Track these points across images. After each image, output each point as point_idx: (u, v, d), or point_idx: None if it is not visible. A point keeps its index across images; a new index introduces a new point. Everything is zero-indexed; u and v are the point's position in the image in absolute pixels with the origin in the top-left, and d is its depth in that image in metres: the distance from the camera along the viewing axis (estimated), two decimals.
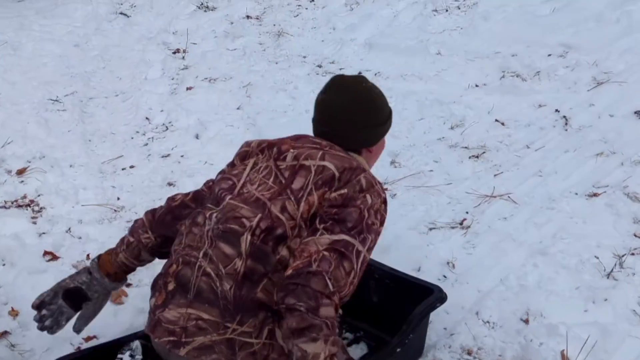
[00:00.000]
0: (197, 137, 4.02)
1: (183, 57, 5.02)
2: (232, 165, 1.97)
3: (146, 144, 4.00)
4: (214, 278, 1.70)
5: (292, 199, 1.72)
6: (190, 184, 3.40)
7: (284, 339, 1.63)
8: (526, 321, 2.38)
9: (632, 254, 2.56)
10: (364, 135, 1.96)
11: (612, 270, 2.52)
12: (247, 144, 1.97)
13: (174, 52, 5.11)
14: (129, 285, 2.63)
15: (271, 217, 1.70)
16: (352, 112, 1.92)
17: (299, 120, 3.97)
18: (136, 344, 1.95)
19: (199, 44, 5.21)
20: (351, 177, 1.74)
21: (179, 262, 1.79)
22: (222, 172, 1.98)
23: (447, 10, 4.99)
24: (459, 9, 5.00)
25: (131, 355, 1.92)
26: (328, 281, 1.58)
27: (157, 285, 1.84)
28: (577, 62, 4.05)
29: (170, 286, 1.78)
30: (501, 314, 2.42)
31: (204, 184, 2.06)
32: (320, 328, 1.54)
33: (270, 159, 1.85)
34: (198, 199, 1.99)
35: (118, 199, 3.43)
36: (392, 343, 2.00)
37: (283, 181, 1.77)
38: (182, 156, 3.82)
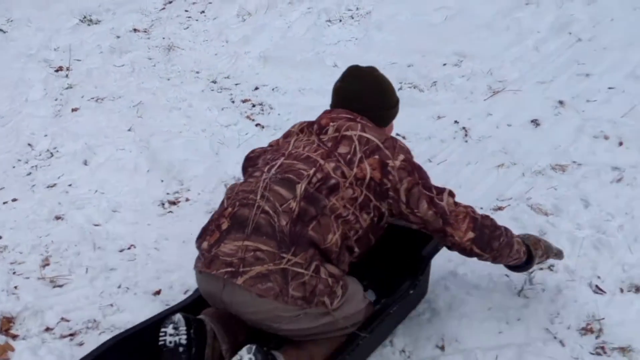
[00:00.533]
0: (85, 163, 3.72)
1: (67, 76, 4.67)
2: (275, 143, 2.29)
3: (29, 173, 3.68)
4: (272, 215, 1.94)
5: (342, 161, 2.02)
6: (81, 217, 3.20)
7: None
8: (442, 348, 2.30)
9: (541, 269, 2.53)
10: (379, 117, 2.25)
11: (523, 288, 2.49)
12: (289, 130, 2.29)
13: (57, 70, 4.75)
14: (15, 337, 2.41)
15: (324, 172, 2.00)
16: (369, 97, 2.23)
17: (195, 140, 3.79)
18: (178, 316, 1.99)
19: (83, 61, 4.86)
20: (395, 144, 2.10)
21: (234, 205, 2.03)
22: (264, 150, 2.34)
23: (340, 21, 4.93)
24: (353, 18, 4.94)
25: (174, 328, 1.97)
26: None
27: (207, 231, 2.06)
28: (472, 71, 4.08)
29: (224, 225, 1.99)
30: (416, 342, 2.33)
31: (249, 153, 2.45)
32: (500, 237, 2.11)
33: (312, 135, 2.15)
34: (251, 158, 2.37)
35: (0, 237, 3.11)
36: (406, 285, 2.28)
37: (327, 148, 2.06)
38: (69, 185, 3.53)
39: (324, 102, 3.94)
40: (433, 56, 4.28)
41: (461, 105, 3.83)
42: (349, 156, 2.03)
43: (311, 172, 1.99)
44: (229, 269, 1.89)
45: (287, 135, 2.26)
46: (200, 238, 2.07)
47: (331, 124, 2.12)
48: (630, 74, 3.78)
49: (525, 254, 2.18)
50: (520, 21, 4.40)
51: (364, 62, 2.22)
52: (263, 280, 1.85)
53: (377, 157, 2.03)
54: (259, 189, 2.01)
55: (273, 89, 4.29)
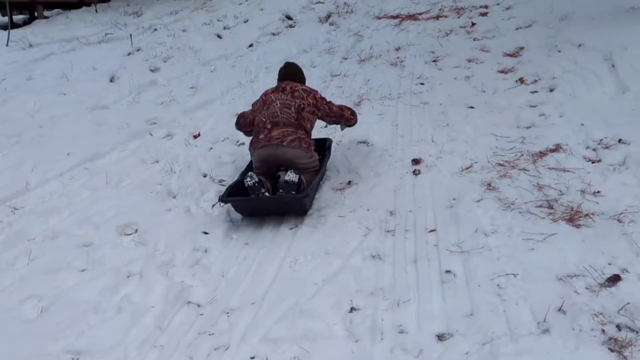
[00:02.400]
0: None
1: None
2: (262, 99, 4.44)
3: None
4: (288, 119, 4.20)
5: (300, 99, 4.30)
6: None
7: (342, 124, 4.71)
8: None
9: None
10: (303, 81, 4.66)
11: None
12: (265, 92, 4.51)
13: None
14: None
15: (297, 103, 4.27)
16: (297, 73, 4.63)
17: None
18: (250, 173, 3.93)
19: None
20: (313, 89, 4.52)
21: (269, 118, 4.22)
22: (256, 103, 4.51)
23: None
24: None
25: (250, 177, 3.89)
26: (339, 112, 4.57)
27: (258, 132, 4.23)
28: None
29: (269, 126, 4.19)
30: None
31: (252, 105, 4.56)
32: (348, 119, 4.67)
33: (279, 92, 4.39)
34: (254, 116, 4.41)
35: None
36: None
37: (292, 95, 4.33)
38: None
39: None
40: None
41: None
42: (301, 96, 4.35)
43: (292, 103, 4.28)
44: (278, 140, 4.11)
45: (265, 94, 4.47)
46: (256, 136, 4.26)
47: (287, 86, 4.42)
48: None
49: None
50: (130, 297, 3.33)
51: None
52: (293, 142, 4.12)
53: (311, 94, 4.43)
54: (277, 111, 4.23)
55: None
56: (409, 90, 6.01)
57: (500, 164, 4.23)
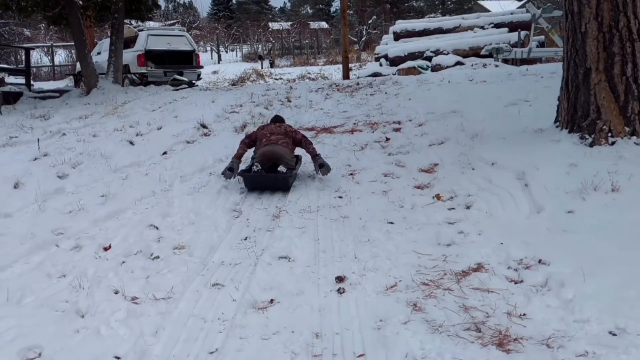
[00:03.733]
0: None
1: None
2: (261, 128, 7.33)
3: None
4: (279, 133, 7.05)
5: (285, 132, 7.07)
6: None
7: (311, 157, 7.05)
8: None
9: None
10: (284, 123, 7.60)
11: None
12: (261, 126, 7.44)
13: None
14: None
15: (283, 133, 7.02)
16: (282, 119, 7.72)
17: None
18: (255, 163, 6.68)
19: None
20: (295, 129, 7.46)
21: (269, 131, 7.08)
22: (255, 131, 7.33)
23: None
24: None
25: (256, 165, 6.65)
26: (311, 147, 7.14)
27: (262, 139, 6.97)
28: None
29: (269, 135, 6.97)
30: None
31: (256, 129, 7.43)
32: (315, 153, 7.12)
33: (271, 125, 7.29)
34: (257, 134, 7.17)
35: None
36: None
37: (280, 129, 7.10)
38: None
39: None
40: None
41: None
42: (285, 130, 7.08)
43: (282, 129, 7.08)
44: (275, 141, 6.82)
45: (264, 127, 7.32)
46: (260, 142, 6.97)
47: (277, 123, 7.33)
48: None
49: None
50: None
51: None
52: (284, 144, 6.81)
53: (291, 131, 7.14)
54: (274, 130, 7.07)
55: None
56: (328, 204, 5.99)
57: (424, 283, 4.18)
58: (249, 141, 7.13)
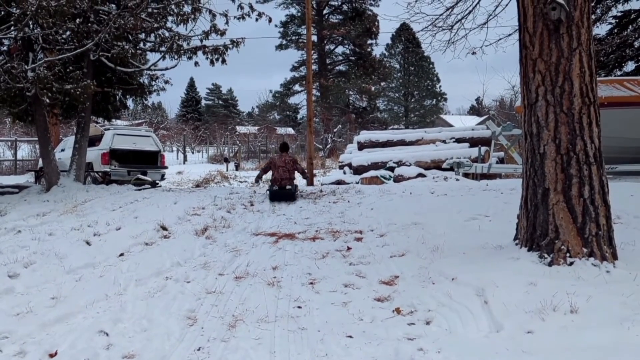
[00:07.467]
0: None
1: None
2: (272, 159, 13.89)
3: None
4: (286, 172, 13.37)
5: (291, 163, 13.57)
6: None
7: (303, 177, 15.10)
8: None
9: None
10: (289, 152, 14.35)
11: None
12: (272, 158, 14.21)
13: None
14: None
15: (289, 164, 13.49)
16: (287, 146, 14.45)
17: None
18: (274, 186, 13.19)
19: None
20: (296, 159, 14.32)
21: (280, 173, 13.31)
22: (269, 162, 14.07)
23: None
24: None
25: (274, 186, 13.21)
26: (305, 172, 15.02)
27: (276, 171, 13.39)
28: None
29: (279, 178, 13.23)
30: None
31: (269, 160, 14.41)
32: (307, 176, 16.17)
33: (280, 158, 13.61)
34: (271, 163, 13.85)
35: None
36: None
37: (287, 161, 13.54)
38: None
39: None
40: None
41: None
42: (290, 161, 13.60)
43: (287, 165, 13.45)
44: (283, 181, 13.12)
45: (275, 159, 13.76)
46: (274, 172, 13.43)
47: (284, 156, 13.67)
48: None
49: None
50: None
51: None
52: (289, 182, 13.21)
53: (294, 161, 13.86)
54: (281, 170, 13.33)
55: None
56: (287, 314, 5.85)
57: None
58: (266, 167, 13.97)
